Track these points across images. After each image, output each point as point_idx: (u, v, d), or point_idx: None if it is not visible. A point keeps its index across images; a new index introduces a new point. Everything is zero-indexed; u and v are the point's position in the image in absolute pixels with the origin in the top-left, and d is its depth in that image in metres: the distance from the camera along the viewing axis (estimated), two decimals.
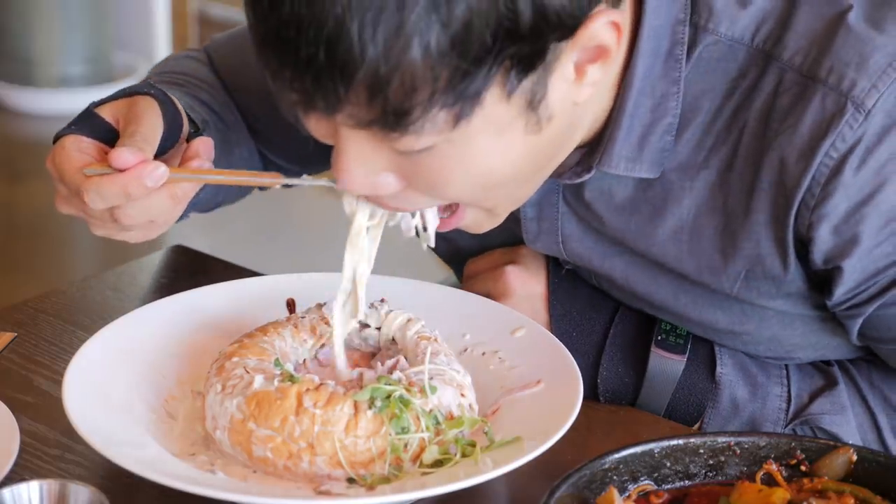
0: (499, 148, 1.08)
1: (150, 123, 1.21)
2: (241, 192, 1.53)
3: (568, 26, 1.04)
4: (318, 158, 1.53)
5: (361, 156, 1.08)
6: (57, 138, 1.23)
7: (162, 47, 5.09)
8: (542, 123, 1.09)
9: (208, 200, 1.45)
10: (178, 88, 1.42)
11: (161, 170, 1.16)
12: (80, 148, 1.20)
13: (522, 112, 1.07)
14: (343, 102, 1.01)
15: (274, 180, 1.21)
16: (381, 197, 1.14)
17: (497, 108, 1.04)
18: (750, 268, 1.23)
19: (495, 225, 1.23)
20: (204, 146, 1.23)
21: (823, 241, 1.19)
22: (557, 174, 1.25)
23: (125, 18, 5.05)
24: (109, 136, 1.22)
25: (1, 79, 4.76)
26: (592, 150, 1.24)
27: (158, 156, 1.20)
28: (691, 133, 1.22)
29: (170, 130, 1.23)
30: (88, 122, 1.23)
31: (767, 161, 1.18)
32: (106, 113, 1.24)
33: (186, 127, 1.28)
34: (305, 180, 1.20)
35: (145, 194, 1.17)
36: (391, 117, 1.02)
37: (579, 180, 1.25)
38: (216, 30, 5.01)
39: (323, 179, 1.18)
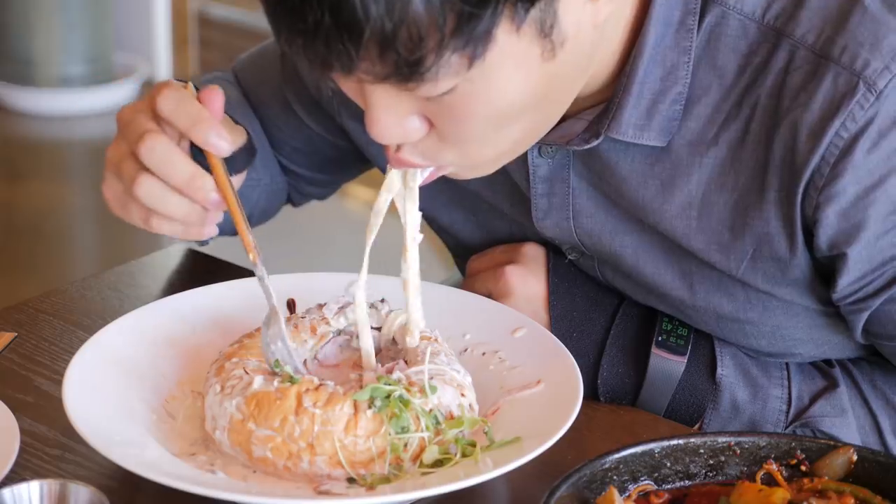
0: (517, 78, 1.08)
1: (239, 128, 1.24)
2: (266, 216, 1.57)
3: None
4: (338, 166, 1.55)
5: (388, 105, 1.09)
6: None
7: (162, 47, 5.09)
8: (557, 49, 1.08)
9: (226, 231, 1.46)
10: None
11: (224, 143, 1.19)
12: (191, 90, 1.23)
13: (535, 40, 1.06)
14: (356, 62, 1.02)
15: (251, 254, 1.21)
16: (401, 148, 1.14)
17: (509, 41, 1.04)
18: (757, 247, 1.23)
19: (478, 175, 1.21)
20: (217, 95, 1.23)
21: (829, 225, 1.19)
22: (566, 141, 1.25)
23: (125, 18, 5.05)
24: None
25: (1, 79, 4.76)
26: (600, 117, 1.24)
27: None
28: (701, 109, 1.22)
29: (242, 153, 1.25)
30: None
31: (778, 138, 1.19)
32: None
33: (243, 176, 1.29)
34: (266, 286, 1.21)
35: (203, 138, 1.18)
36: (405, 69, 1.02)
37: (587, 146, 1.25)
38: (216, 30, 5.02)
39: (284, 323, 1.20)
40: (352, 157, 1.52)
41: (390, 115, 1.09)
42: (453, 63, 1.03)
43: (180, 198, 1.20)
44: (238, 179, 1.26)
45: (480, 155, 1.16)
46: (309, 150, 1.53)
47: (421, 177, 1.18)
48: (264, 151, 1.52)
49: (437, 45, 1.00)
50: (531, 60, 1.07)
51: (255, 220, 1.54)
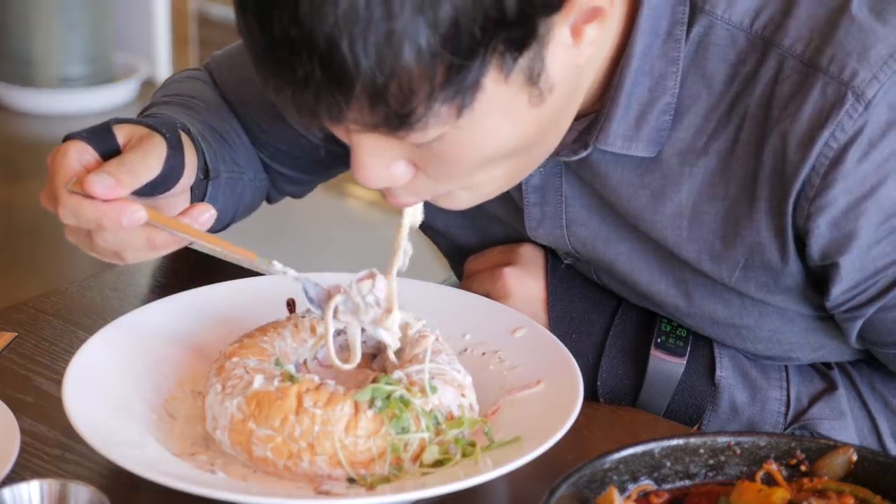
0: (506, 124, 1.08)
1: (146, 163, 1.21)
2: (249, 211, 1.55)
3: (554, 4, 1.03)
4: (324, 167, 1.54)
5: (375, 151, 1.09)
6: (67, 138, 1.23)
7: (162, 47, 5.09)
8: (545, 95, 1.08)
9: (211, 228, 1.46)
10: (190, 113, 1.43)
11: (140, 213, 1.17)
12: (81, 158, 1.21)
13: (524, 88, 1.06)
14: (346, 111, 1.02)
15: (247, 258, 1.20)
16: (394, 191, 1.14)
17: (497, 90, 1.04)
18: (749, 256, 1.23)
19: (474, 204, 1.22)
20: (205, 214, 1.22)
21: (821, 235, 1.18)
22: (555, 152, 1.25)
23: (125, 18, 5.05)
24: (113, 156, 1.22)
25: (1, 79, 4.76)
26: (589, 128, 1.24)
27: (143, 196, 1.21)
28: (691, 119, 1.22)
29: (162, 179, 1.23)
30: (101, 135, 1.23)
31: (768, 148, 1.18)
32: (121, 133, 1.24)
33: (190, 178, 1.28)
34: (275, 268, 1.20)
35: (118, 230, 1.18)
36: (395, 120, 1.02)
37: (576, 157, 1.25)
38: (216, 30, 5.02)
39: (291, 271, 1.20)
40: (339, 159, 1.51)
41: (377, 160, 1.09)
42: (442, 113, 1.03)
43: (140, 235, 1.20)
44: (189, 176, 1.27)
45: (469, 191, 1.16)
46: (293, 152, 1.52)
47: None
48: (246, 149, 1.50)
49: (426, 97, 1.00)
50: (519, 107, 1.08)
51: (240, 215, 1.52)
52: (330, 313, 1.19)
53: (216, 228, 1.49)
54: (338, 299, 1.20)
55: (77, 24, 4.78)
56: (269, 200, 1.60)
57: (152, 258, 1.25)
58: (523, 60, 1.04)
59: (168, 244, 1.21)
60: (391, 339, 1.20)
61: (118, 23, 4.99)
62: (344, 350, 1.26)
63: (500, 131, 1.08)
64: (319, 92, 1.01)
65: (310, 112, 1.03)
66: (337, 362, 1.20)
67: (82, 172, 1.19)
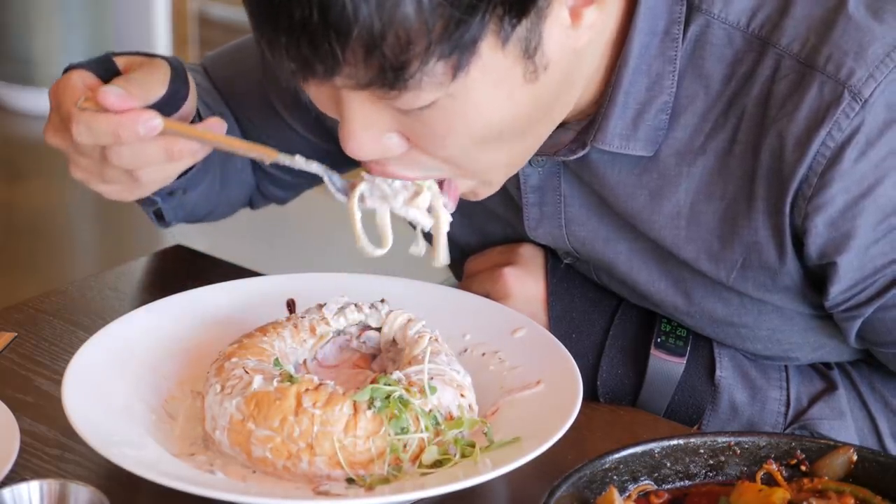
0: (498, 98, 1.08)
1: (153, 79, 1.22)
2: (231, 208, 1.55)
3: None
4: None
5: (365, 119, 1.08)
6: (68, 70, 1.24)
7: (162, 47, 5.09)
8: (540, 72, 1.08)
9: (196, 209, 1.46)
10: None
11: (156, 120, 1.17)
12: (84, 83, 1.21)
13: (519, 60, 1.06)
14: (340, 64, 1.02)
15: (266, 155, 1.20)
16: (385, 162, 1.13)
17: (493, 57, 1.05)
18: (746, 255, 1.23)
19: (491, 193, 1.22)
20: (218, 124, 1.22)
21: (819, 235, 1.18)
22: (553, 152, 1.25)
23: (125, 18, 5.05)
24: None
25: (1, 79, 4.76)
26: (587, 128, 1.24)
27: None
28: (688, 118, 1.22)
29: (170, 97, 1.23)
30: (100, 63, 1.24)
31: (765, 147, 1.18)
32: (121, 61, 1.25)
33: (191, 107, 1.28)
34: (297, 162, 1.19)
35: (135, 140, 1.17)
36: (389, 74, 1.02)
37: (574, 157, 1.25)
38: (216, 30, 5.02)
39: (314, 164, 1.19)
40: (332, 159, 1.50)
41: (367, 129, 1.09)
42: (437, 72, 1.03)
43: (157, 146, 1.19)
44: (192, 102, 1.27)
45: (467, 169, 1.16)
46: (284, 150, 1.52)
47: (444, 198, 1.18)
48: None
49: (423, 51, 1.01)
50: (513, 80, 1.08)
51: (221, 206, 1.52)
52: (355, 200, 1.19)
53: (200, 216, 1.49)
54: (363, 186, 1.19)
55: (77, 24, 4.78)
56: (253, 205, 1.59)
57: (169, 175, 1.23)
58: (521, 30, 1.04)
59: (185, 154, 1.20)
60: (424, 219, 1.19)
61: (118, 23, 4.99)
62: (344, 350, 1.26)
63: (491, 104, 1.08)
64: (315, 39, 1.00)
65: (303, 64, 1.03)
66: (369, 247, 1.19)
67: (90, 93, 1.19)
